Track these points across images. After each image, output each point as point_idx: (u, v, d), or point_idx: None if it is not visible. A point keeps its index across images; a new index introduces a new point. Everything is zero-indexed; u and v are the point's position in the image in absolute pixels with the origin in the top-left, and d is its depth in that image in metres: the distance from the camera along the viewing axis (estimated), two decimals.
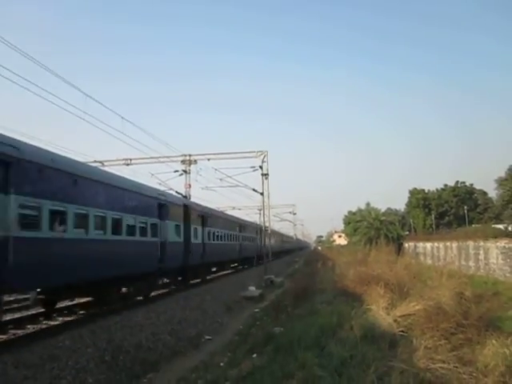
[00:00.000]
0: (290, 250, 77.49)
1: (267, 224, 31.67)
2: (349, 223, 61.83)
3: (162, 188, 22.71)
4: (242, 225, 34.49)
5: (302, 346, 7.76)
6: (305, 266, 38.72)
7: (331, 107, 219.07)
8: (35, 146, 10.19)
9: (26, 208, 8.89)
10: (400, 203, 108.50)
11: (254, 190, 29.87)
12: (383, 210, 63.24)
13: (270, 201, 29.77)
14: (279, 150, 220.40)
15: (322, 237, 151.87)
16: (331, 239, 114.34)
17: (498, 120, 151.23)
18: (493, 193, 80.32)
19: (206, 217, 23.02)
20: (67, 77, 15.03)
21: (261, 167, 27.75)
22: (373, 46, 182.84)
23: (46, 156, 10.05)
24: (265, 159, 27.70)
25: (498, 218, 66.74)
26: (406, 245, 47.71)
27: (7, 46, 11.92)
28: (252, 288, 21.00)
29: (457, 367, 6.04)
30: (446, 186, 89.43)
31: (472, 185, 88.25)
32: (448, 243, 35.05)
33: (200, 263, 21.29)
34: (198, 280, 21.86)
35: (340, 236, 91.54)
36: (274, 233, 47.68)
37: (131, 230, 13.52)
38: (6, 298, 12.52)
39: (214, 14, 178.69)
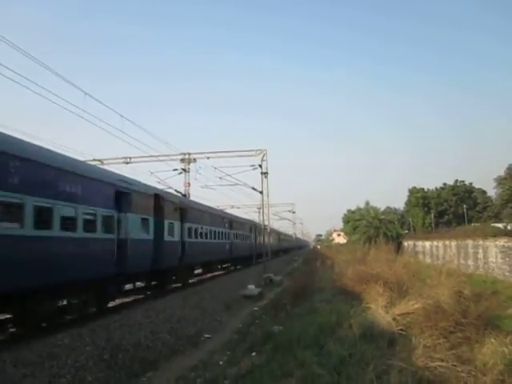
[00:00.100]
0: (289, 248, 77.56)
1: (266, 222, 31.69)
2: (348, 222, 61.77)
3: (161, 187, 22.54)
4: (232, 221, 30.75)
5: (301, 345, 7.79)
6: (304, 264, 38.76)
7: (331, 107, 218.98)
8: None
9: None
10: (399, 202, 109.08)
11: (253, 188, 29.96)
12: (382, 209, 63.26)
13: (269, 199, 29.95)
14: (279, 149, 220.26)
15: (321, 235, 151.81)
16: (330, 238, 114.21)
17: (497, 120, 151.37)
18: (492, 192, 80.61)
19: (186, 210, 19.60)
20: (67, 76, 15.05)
21: (260, 166, 27.83)
22: (373, 45, 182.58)
23: None
24: (264, 158, 27.78)
25: (497, 217, 66.72)
26: (406, 243, 47.82)
27: (8, 45, 11.92)
28: (251, 286, 21.03)
29: (455, 366, 6.06)
30: (445, 184, 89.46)
31: (471, 184, 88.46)
32: (447, 242, 35.14)
33: (178, 265, 18.21)
34: (178, 284, 19.06)
35: (339, 235, 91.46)
36: (273, 231, 47.60)
37: (69, 223, 10.51)
38: None
39: (214, 13, 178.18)
